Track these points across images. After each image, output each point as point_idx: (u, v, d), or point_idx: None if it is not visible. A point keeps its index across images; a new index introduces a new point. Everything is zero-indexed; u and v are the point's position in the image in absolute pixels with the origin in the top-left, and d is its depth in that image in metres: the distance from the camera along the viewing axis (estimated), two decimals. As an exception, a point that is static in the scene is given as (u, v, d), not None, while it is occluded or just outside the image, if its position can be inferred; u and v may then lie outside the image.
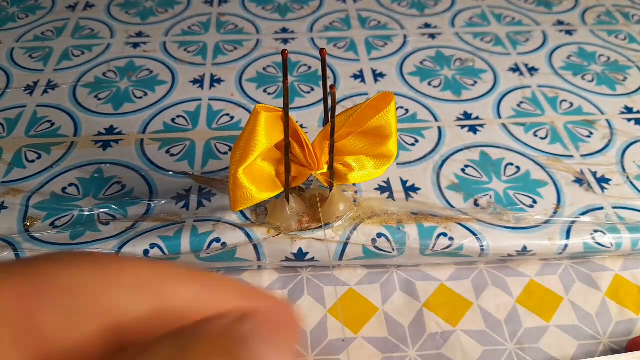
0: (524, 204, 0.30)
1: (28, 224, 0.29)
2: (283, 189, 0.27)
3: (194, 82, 0.40)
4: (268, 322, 0.12)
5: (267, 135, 0.24)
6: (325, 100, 0.26)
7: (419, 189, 0.31)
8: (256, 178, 0.26)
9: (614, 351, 0.26)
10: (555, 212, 0.30)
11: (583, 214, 0.30)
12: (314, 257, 0.28)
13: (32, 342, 0.10)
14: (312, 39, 0.44)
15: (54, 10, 0.48)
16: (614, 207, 0.30)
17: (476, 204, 0.30)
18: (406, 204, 0.30)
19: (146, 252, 0.27)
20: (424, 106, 0.38)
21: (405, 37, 0.45)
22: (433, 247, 0.28)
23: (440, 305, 0.28)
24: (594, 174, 0.33)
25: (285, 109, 0.24)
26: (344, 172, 0.27)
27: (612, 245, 0.28)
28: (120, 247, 0.27)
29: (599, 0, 0.51)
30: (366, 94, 0.39)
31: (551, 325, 0.27)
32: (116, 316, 0.11)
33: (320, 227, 0.28)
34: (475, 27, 0.47)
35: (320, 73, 0.40)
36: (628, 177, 0.33)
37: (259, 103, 0.27)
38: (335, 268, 0.29)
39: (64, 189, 0.31)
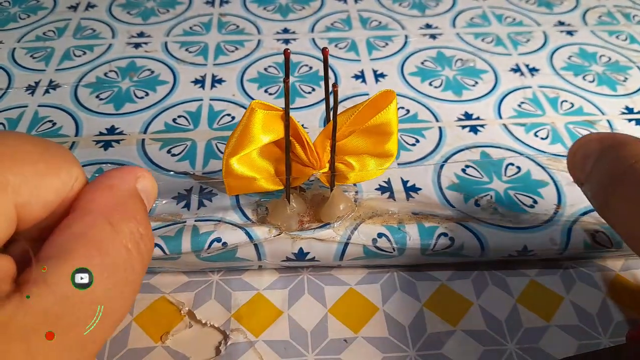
0: (524, 204, 0.30)
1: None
2: (283, 186, 0.27)
3: (195, 82, 0.40)
4: None
5: (261, 132, 0.24)
6: (327, 99, 0.26)
7: (419, 189, 0.31)
8: (252, 169, 0.26)
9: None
10: (555, 213, 0.30)
11: (584, 214, 0.30)
12: (314, 257, 0.28)
13: None
14: (313, 39, 0.44)
15: (56, 11, 0.48)
16: (614, 208, 0.30)
17: (477, 204, 0.30)
18: (407, 204, 0.30)
19: (147, 251, 0.27)
20: (424, 106, 0.38)
21: (406, 37, 0.45)
22: (434, 247, 0.28)
23: (440, 305, 0.28)
24: (595, 174, 0.33)
25: (286, 108, 0.24)
26: (345, 171, 0.27)
27: (612, 245, 0.28)
28: (121, 247, 0.27)
29: (599, 1, 0.51)
30: (367, 94, 0.39)
31: (551, 325, 0.27)
32: None
33: (321, 227, 0.28)
34: (476, 27, 0.47)
35: (321, 73, 0.40)
36: (629, 178, 0.33)
37: (259, 103, 0.27)
38: (335, 268, 0.29)
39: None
